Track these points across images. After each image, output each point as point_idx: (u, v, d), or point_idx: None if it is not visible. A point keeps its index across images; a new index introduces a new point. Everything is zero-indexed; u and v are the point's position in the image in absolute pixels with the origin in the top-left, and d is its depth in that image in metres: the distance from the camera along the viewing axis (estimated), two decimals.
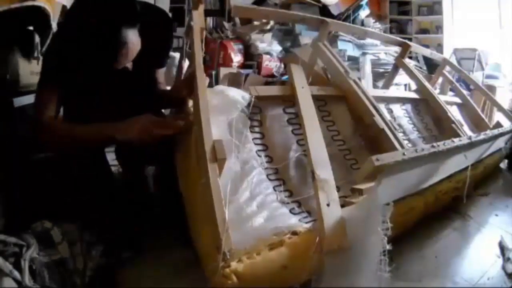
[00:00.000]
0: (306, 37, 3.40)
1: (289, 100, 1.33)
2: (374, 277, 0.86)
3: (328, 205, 0.95)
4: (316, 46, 1.71)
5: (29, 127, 1.11)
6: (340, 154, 1.35)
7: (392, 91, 2.30)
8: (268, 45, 3.43)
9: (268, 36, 3.51)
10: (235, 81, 2.94)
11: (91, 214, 1.12)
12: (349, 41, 3.34)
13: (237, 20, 3.56)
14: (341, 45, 3.29)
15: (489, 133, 1.78)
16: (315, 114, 1.24)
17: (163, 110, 1.51)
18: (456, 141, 1.37)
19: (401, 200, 1.24)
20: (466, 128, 2.15)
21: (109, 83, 1.15)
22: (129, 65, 1.10)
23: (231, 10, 2.46)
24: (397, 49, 2.96)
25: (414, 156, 1.11)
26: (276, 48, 3.46)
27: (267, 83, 2.99)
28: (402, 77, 3.06)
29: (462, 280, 1.19)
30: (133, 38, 1.00)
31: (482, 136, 1.64)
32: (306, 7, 3.78)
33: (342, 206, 0.98)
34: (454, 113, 2.17)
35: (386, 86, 2.39)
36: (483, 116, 2.48)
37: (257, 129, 1.23)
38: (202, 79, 1.05)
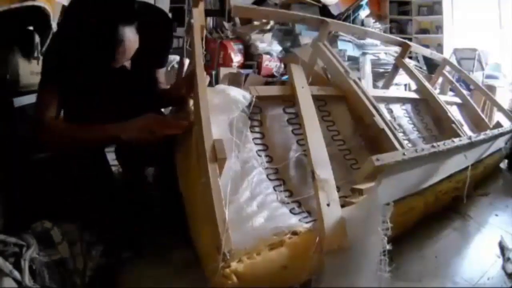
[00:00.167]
0: (306, 37, 3.41)
1: (289, 100, 1.33)
2: (374, 277, 0.86)
3: (328, 205, 0.95)
4: (316, 46, 1.71)
5: (29, 127, 1.11)
6: (340, 154, 1.35)
7: (392, 91, 2.30)
8: (268, 45, 3.43)
9: (268, 36, 3.51)
10: (235, 81, 2.95)
11: (91, 214, 1.12)
12: (349, 41, 3.34)
13: (237, 20, 3.56)
14: (341, 45, 3.30)
15: (489, 133, 1.78)
16: (315, 114, 1.24)
17: (162, 109, 1.51)
18: (456, 141, 1.37)
19: (401, 200, 1.24)
20: (466, 128, 2.15)
21: (109, 83, 1.15)
22: (127, 63, 1.09)
23: (231, 10, 2.47)
24: (397, 49, 2.96)
25: (414, 156, 1.11)
26: (276, 48, 3.46)
27: (267, 83, 3.00)
28: (402, 77, 3.06)
29: (462, 280, 1.19)
30: (130, 36, 0.99)
31: (482, 136, 1.63)
32: (306, 7, 3.78)
33: (342, 206, 0.98)
34: (454, 113, 2.17)
35: (386, 86, 2.39)
36: (483, 116, 2.47)
37: (257, 129, 1.23)
38: (203, 77, 1.04)
